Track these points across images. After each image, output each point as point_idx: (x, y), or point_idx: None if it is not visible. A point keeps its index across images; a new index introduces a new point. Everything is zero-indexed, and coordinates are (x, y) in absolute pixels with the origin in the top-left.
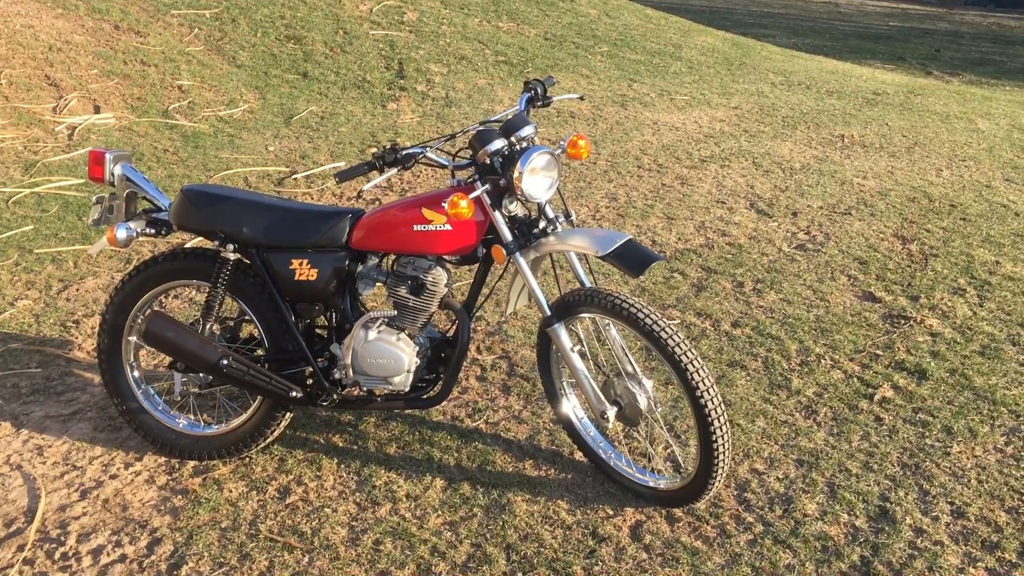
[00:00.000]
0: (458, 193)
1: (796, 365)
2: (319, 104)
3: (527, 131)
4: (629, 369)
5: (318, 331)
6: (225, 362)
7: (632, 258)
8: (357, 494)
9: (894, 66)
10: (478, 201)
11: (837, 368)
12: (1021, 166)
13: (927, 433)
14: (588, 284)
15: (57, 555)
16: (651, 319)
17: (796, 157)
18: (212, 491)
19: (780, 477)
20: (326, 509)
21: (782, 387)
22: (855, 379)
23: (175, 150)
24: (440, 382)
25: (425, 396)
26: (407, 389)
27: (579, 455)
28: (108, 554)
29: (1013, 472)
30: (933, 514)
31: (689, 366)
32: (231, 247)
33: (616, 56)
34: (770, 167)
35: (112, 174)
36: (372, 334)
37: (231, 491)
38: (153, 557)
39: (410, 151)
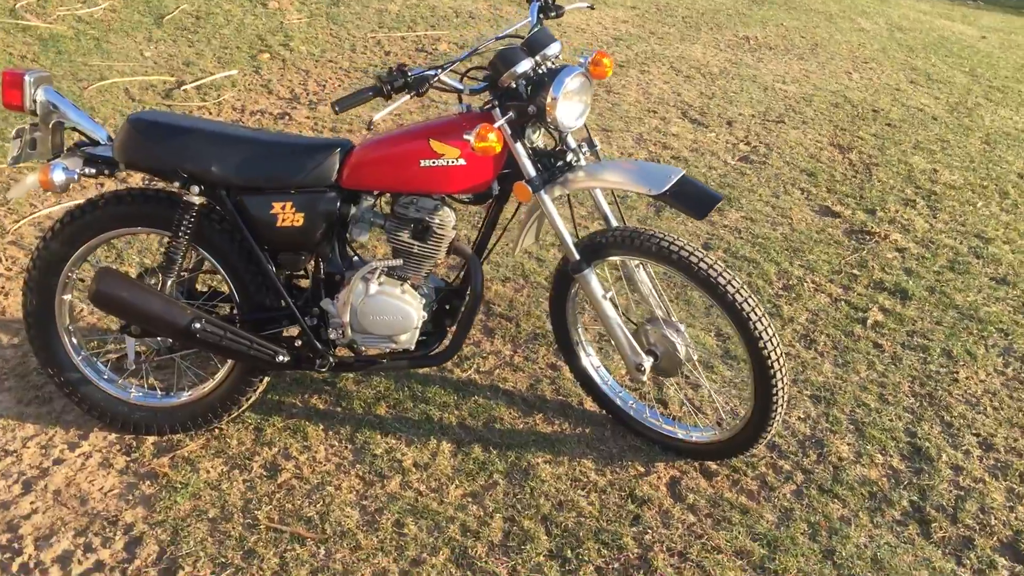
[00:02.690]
0: (484, 124)
1: (780, 290)
2: (190, 2)
3: (554, 49)
4: (661, 315)
5: (297, 284)
6: (198, 325)
7: (692, 197)
8: (358, 466)
9: None
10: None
11: (821, 292)
12: (918, 67)
13: (928, 359)
14: (615, 223)
15: (15, 567)
16: (706, 263)
17: (711, 61)
18: (186, 473)
19: (802, 417)
20: (327, 487)
21: (774, 315)
22: (842, 303)
23: (34, 56)
24: (446, 336)
25: (433, 353)
26: (412, 347)
27: (589, 404)
28: (79, 561)
29: (1022, 396)
30: (964, 448)
31: (752, 314)
32: (195, 189)
33: None
34: (690, 72)
35: (34, 100)
36: (373, 287)
37: (209, 472)
38: (138, 562)
39: (421, 73)
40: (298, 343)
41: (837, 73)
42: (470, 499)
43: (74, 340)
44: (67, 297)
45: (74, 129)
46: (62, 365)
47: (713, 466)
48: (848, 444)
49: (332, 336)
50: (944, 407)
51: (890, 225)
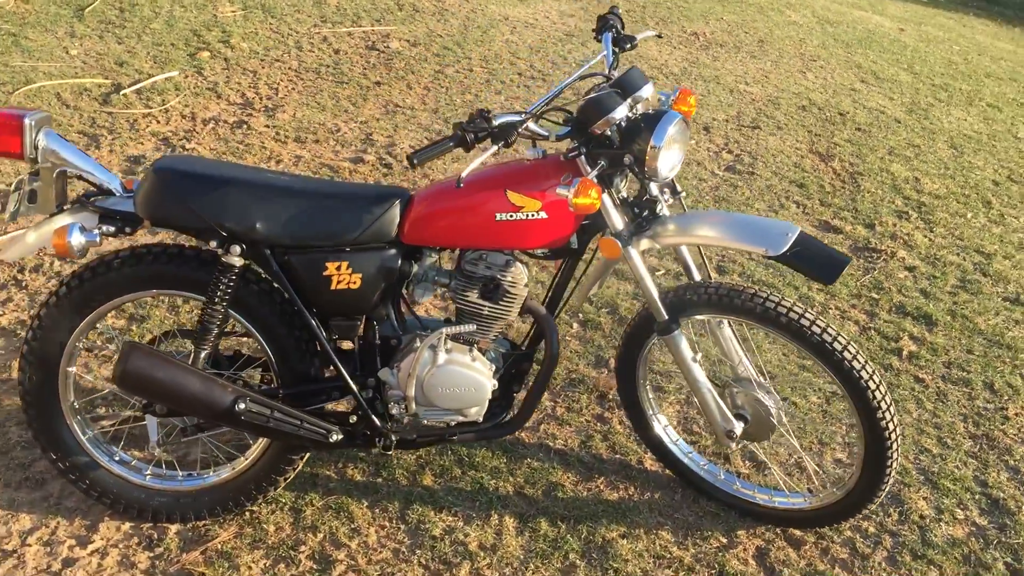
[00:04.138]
0: (584, 179)
1: None
2: None
3: (647, 91)
4: (749, 375)
5: (340, 351)
6: (242, 406)
7: (817, 259)
8: (418, 552)
9: None
10: None
11: (848, 319)
12: (863, 65)
13: (973, 394)
14: (698, 277)
15: None
16: (819, 326)
17: (669, 60)
18: (224, 570)
19: (838, 460)
20: None
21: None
22: (872, 332)
23: None
24: (513, 402)
25: (502, 422)
26: (481, 418)
27: (649, 462)
28: None
29: None
30: None
31: (870, 382)
32: (237, 249)
33: None
34: (652, 73)
35: (35, 147)
36: (442, 355)
37: (251, 568)
38: None
39: (507, 119)
40: (352, 419)
41: (792, 72)
42: None
43: (79, 418)
44: (72, 369)
45: (79, 178)
46: (68, 449)
47: (796, 533)
48: (925, 499)
49: (393, 411)
50: (1005, 450)
51: (893, 241)
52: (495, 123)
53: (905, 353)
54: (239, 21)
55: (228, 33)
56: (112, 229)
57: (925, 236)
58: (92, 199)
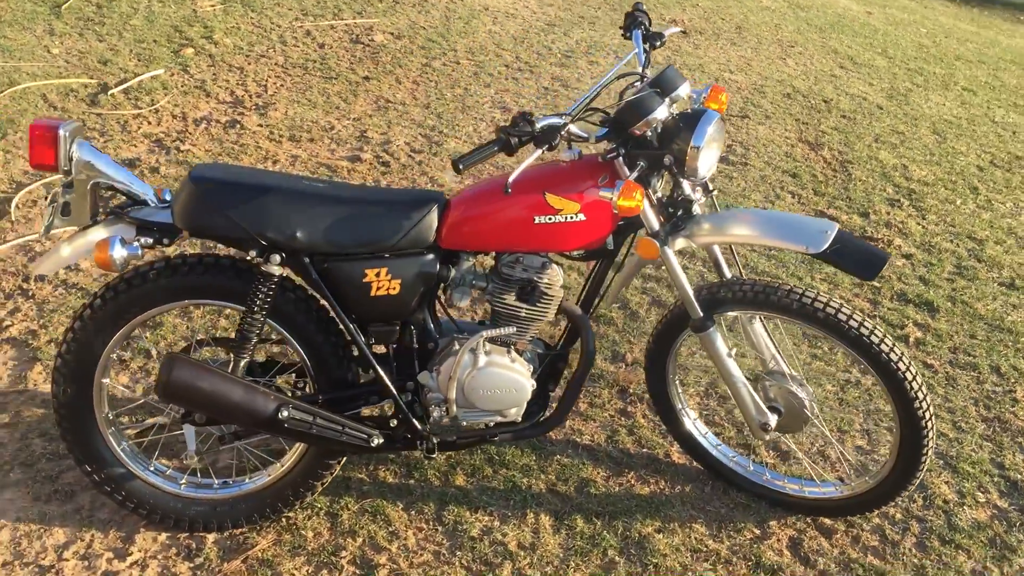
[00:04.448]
0: (629, 181)
1: None
2: None
3: (684, 90)
4: (781, 368)
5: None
6: (285, 414)
7: (857, 256)
8: (459, 553)
9: None
10: None
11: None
12: (839, 51)
13: (981, 378)
14: (729, 274)
15: None
16: (856, 320)
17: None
18: None
19: (870, 449)
20: None
21: (816, 337)
22: (878, 319)
23: None
24: (549, 402)
25: (540, 421)
26: (520, 418)
27: (676, 454)
28: None
29: None
30: None
31: (907, 373)
32: (276, 258)
33: None
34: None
35: (69, 158)
36: (482, 358)
37: (295, 575)
38: None
39: (550, 122)
40: (393, 423)
41: (772, 59)
42: None
43: (112, 429)
44: (106, 381)
45: (111, 188)
46: (103, 461)
47: (827, 522)
48: (947, 483)
49: (434, 413)
50: (1018, 431)
51: (888, 229)
52: (538, 126)
53: (912, 340)
54: (219, 16)
55: (210, 28)
56: (150, 241)
57: (918, 224)
58: (125, 209)
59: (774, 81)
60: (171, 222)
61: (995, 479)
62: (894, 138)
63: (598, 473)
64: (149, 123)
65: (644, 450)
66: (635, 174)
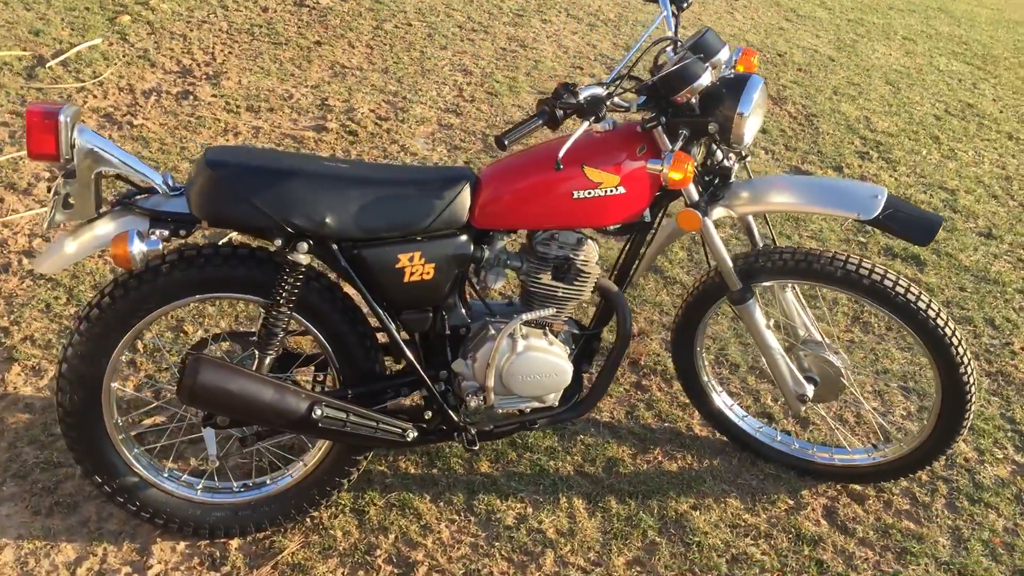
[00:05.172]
0: (680, 152)
1: None
2: None
3: (724, 54)
4: (815, 338)
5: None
6: (319, 413)
7: (910, 221)
8: (496, 544)
9: None
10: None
11: None
12: (781, 2)
13: (978, 331)
14: (760, 241)
15: None
16: (901, 286)
17: (602, 7)
18: None
19: (904, 414)
20: None
21: (814, 295)
22: None
23: None
24: (581, 383)
25: (575, 404)
26: (557, 402)
27: (699, 428)
28: None
29: None
30: None
31: (953, 339)
32: (304, 246)
33: None
34: (590, 20)
35: (71, 146)
36: (520, 343)
37: None
38: None
39: (593, 92)
40: (428, 414)
41: (721, 13)
42: (639, 569)
43: (122, 436)
44: (115, 385)
45: (118, 177)
46: (115, 470)
47: (857, 489)
48: (965, 441)
49: (472, 403)
50: (1022, 384)
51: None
52: (583, 97)
53: None
54: None
55: None
56: (166, 233)
57: (890, 176)
58: (133, 199)
59: (726, 36)
60: (185, 211)
61: (1009, 434)
62: (851, 90)
63: (624, 451)
64: (95, 96)
65: (666, 424)
66: (679, 144)
